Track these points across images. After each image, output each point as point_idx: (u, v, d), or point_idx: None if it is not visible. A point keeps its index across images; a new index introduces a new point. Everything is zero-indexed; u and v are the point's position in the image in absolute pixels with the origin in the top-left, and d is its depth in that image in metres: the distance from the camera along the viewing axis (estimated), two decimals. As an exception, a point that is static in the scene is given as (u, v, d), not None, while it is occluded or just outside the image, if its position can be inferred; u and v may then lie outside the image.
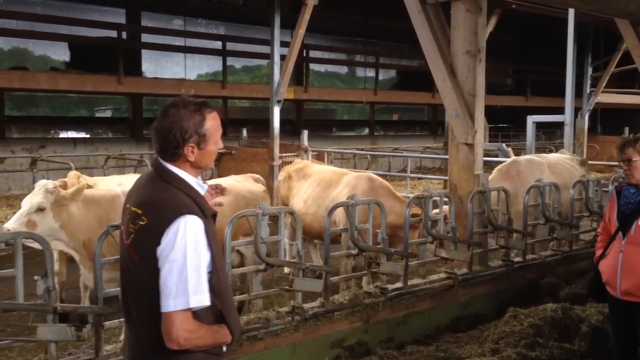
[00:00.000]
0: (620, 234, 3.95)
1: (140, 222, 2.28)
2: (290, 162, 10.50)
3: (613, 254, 3.99)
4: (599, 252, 4.17)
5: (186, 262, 2.19)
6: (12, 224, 4.79)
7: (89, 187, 5.72)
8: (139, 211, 2.29)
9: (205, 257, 2.27)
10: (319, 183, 7.40)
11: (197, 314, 2.27)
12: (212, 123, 2.37)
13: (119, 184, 6.27)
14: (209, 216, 2.35)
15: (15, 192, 13.64)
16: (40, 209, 4.88)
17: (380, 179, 7.19)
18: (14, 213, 5.10)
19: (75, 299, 6.21)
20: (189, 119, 2.32)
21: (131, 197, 2.43)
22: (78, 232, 5.11)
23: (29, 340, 4.07)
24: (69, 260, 6.12)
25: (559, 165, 7.98)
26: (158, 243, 2.21)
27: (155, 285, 2.22)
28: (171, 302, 2.19)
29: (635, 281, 3.83)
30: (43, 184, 5.04)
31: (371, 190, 6.67)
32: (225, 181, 6.61)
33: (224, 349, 2.44)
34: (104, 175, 10.54)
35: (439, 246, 5.86)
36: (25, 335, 4.19)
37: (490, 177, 7.41)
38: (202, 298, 2.23)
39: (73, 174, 6.52)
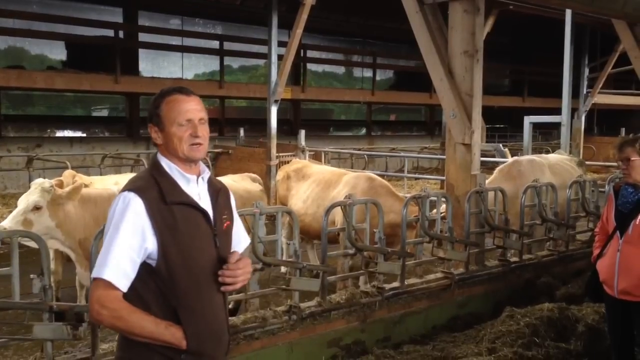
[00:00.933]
0: (617, 233, 3.96)
1: None
2: (288, 162, 10.49)
3: (610, 253, 4.00)
4: (596, 252, 4.18)
5: (105, 236, 2.25)
6: (8, 222, 4.78)
7: (85, 186, 5.71)
8: None
9: (129, 235, 2.20)
10: (318, 183, 7.40)
11: (144, 301, 2.22)
12: (170, 105, 2.36)
13: (115, 183, 6.26)
14: (171, 203, 2.27)
15: (11, 191, 13.62)
16: (36, 208, 4.88)
17: (379, 178, 7.19)
18: (10, 212, 5.09)
19: (71, 298, 6.20)
20: (152, 103, 2.42)
21: None
22: (74, 231, 5.10)
23: (25, 339, 4.06)
24: (64, 259, 6.11)
25: (558, 165, 8.01)
26: None
27: None
28: (93, 272, 2.25)
29: (633, 280, 3.84)
30: (39, 183, 5.04)
31: (371, 190, 6.68)
32: (223, 180, 6.61)
33: (182, 356, 2.25)
34: (101, 174, 10.53)
35: (436, 246, 5.86)
36: (21, 334, 4.18)
37: (491, 177, 7.44)
38: (101, 270, 2.20)
39: (68, 173, 6.51)
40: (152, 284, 2.25)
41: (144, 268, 2.24)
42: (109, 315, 2.19)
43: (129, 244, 2.20)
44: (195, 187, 2.38)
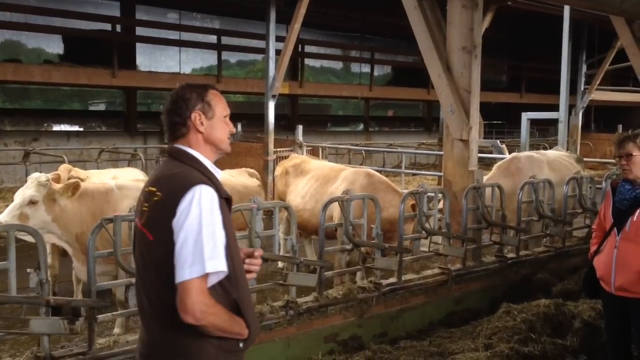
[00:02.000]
0: (615, 230, 3.96)
1: (154, 198, 2.24)
2: (285, 157, 10.48)
3: (608, 249, 4.00)
4: (593, 248, 4.18)
5: (202, 229, 2.14)
6: (4, 216, 4.76)
7: (81, 180, 5.68)
8: (153, 188, 2.28)
9: (220, 227, 2.21)
10: (317, 179, 7.38)
11: (212, 296, 2.19)
12: (217, 98, 2.42)
13: (113, 177, 6.24)
14: (223, 197, 2.30)
15: (8, 185, 13.59)
16: (32, 202, 4.85)
17: (378, 174, 7.16)
18: (7, 206, 5.07)
19: (68, 292, 6.19)
20: (191, 92, 2.39)
21: (146, 183, 2.42)
22: (71, 226, 5.08)
23: (21, 333, 4.06)
24: (61, 254, 6.10)
25: (557, 162, 8.01)
26: (173, 215, 2.17)
27: (170, 263, 2.15)
28: (187, 270, 2.12)
29: (630, 277, 3.85)
30: (36, 177, 5.01)
31: (370, 186, 6.65)
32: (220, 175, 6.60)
33: (241, 345, 2.30)
34: (98, 168, 10.50)
35: (433, 242, 5.86)
36: (18, 328, 4.17)
37: (490, 173, 7.46)
38: (218, 263, 2.15)
39: (64, 167, 6.48)
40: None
41: None
42: (210, 313, 2.14)
43: (220, 233, 2.20)
44: None
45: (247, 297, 2.36)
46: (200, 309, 2.11)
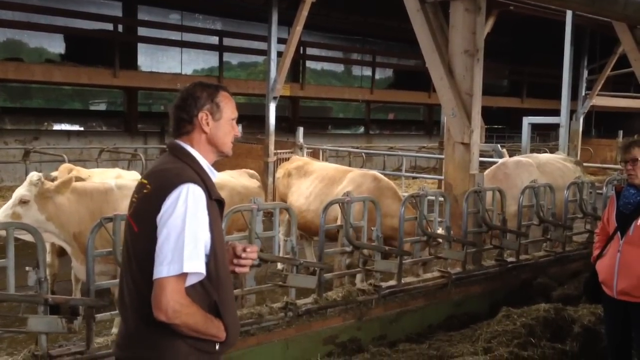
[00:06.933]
0: (618, 234, 3.95)
1: (144, 191, 2.26)
2: (286, 159, 10.47)
3: (611, 253, 3.99)
4: (596, 252, 4.17)
5: (184, 228, 2.14)
6: (-2, 216, 4.77)
7: (81, 179, 5.67)
8: (145, 181, 2.30)
9: (204, 228, 2.20)
10: (321, 179, 7.35)
11: (190, 295, 2.19)
12: (227, 100, 2.44)
13: (117, 176, 6.22)
14: (213, 199, 2.30)
15: (7, 184, 13.58)
16: (23, 202, 4.84)
17: (386, 179, 7.07)
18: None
19: (66, 291, 6.17)
20: (202, 91, 2.40)
21: (142, 175, 2.45)
22: (68, 224, 5.07)
23: (19, 332, 4.04)
24: (60, 253, 6.09)
25: (549, 164, 7.98)
26: (158, 210, 2.17)
27: (150, 257, 2.15)
28: (165, 267, 2.12)
29: (632, 281, 3.84)
30: (29, 176, 5.01)
31: (376, 190, 6.60)
32: (220, 176, 6.57)
33: (217, 347, 2.30)
34: (97, 168, 10.48)
35: (433, 245, 5.85)
36: (16, 327, 4.16)
37: (479, 179, 7.43)
38: (197, 264, 2.15)
39: (64, 167, 6.47)
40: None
41: None
42: (184, 313, 2.14)
43: (203, 235, 2.20)
44: None
45: (229, 300, 2.35)
46: (174, 307, 2.11)
